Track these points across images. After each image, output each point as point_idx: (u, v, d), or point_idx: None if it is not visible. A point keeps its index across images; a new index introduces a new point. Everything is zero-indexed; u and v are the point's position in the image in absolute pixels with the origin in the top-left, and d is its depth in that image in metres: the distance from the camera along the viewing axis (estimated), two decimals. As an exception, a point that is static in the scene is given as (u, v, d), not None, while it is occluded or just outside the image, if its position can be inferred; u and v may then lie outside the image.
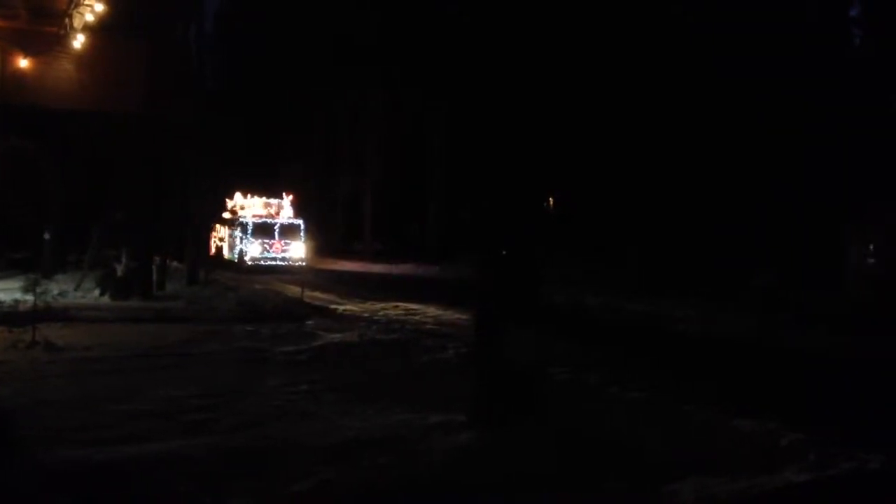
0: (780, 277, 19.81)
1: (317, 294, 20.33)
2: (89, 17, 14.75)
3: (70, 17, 15.08)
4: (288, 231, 30.36)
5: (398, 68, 32.69)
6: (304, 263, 28.52)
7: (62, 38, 16.04)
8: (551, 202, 30.57)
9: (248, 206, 31.59)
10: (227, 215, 32.85)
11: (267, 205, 31.56)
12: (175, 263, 22.97)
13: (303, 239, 30.57)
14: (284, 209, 31.80)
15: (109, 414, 7.67)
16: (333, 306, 17.90)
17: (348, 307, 17.98)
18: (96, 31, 15.61)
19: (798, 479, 6.05)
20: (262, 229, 30.00)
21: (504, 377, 7.27)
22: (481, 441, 6.94)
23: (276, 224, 30.42)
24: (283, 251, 29.90)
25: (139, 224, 18.10)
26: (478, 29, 7.74)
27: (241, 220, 30.75)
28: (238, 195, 32.68)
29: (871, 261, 21.47)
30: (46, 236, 21.28)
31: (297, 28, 38.19)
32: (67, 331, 12.67)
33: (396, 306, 18.56)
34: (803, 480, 5.99)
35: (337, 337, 13.00)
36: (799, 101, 20.97)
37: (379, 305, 18.56)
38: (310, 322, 14.83)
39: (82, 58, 16.43)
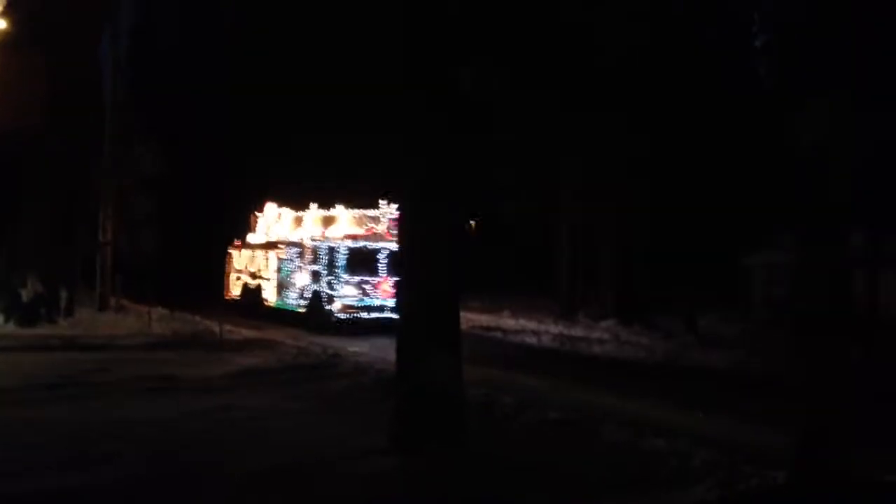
0: (695, 304, 20.54)
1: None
2: (-10, 34, 14.28)
3: (-30, 33, 14.55)
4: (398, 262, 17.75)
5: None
6: None
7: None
8: (474, 225, 30.80)
9: (313, 222, 20.54)
10: (256, 237, 22.98)
11: (363, 220, 19.32)
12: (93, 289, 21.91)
13: None
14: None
15: (10, 447, 7.33)
16: (251, 332, 17.55)
17: (268, 333, 17.65)
18: None
19: (709, 497, 6.25)
20: (358, 260, 18.46)
21: (425, 401, 7.28)
22: (402, 465, 6.93)
23: (379, 251, 18.60)
24: (394, 295, 17.26)
25: (46, 247, 17.42)
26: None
27: (316, 244, 19.45)
28: (271, 206, 22.84)
29: (775, 287, 22.81)
30: (-54, 261, 20.28)
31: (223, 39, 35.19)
32: (-33, 360, 12.08)
33: (265, 323, 18.27)
34: (714, 497, 6.19)
35: (256, 362, 12.78)
36: (707, 130, 21.73)
37: (301, 331, 18.24)
38: (226, 348, 14.52)
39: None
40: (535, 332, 19.73)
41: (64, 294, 18.08)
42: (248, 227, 23.45)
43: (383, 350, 13.69)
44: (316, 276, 19.14)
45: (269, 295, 21.17)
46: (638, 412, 10.09)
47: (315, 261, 19.26)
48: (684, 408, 10.67)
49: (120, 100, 20.71)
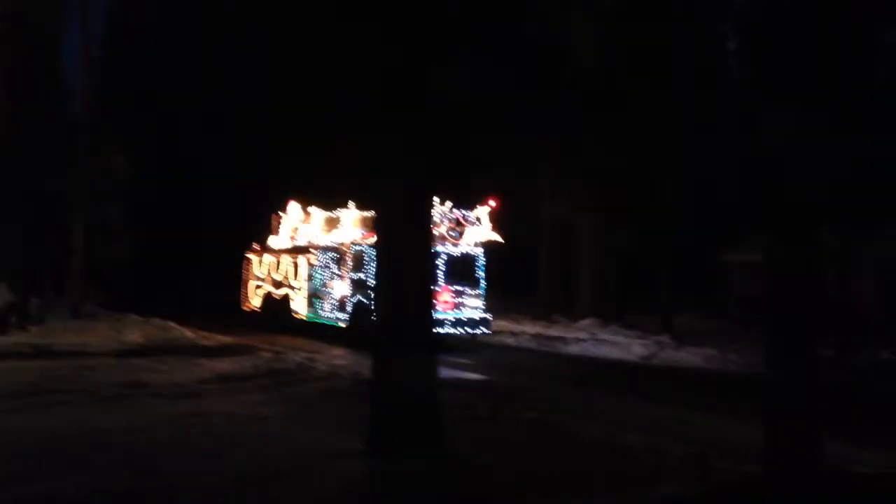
0: (671, 303, 20.73)
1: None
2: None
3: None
4: (464, 269, 16.57)
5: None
6: (486, 330, 16.86)
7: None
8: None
9: (352, 223, 17.78)
10: (279, 241, 20.39)
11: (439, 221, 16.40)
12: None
13: (482, 284, 16.98)
14: (477, 228, 17.06)
15: (-20, 456, 7.20)
16: (225, 337, 17.41)
17: (243, 339, 17.51)
18: None
19: (683, 492, 6.27)
20: None
21: (398, 403, 7.24)
22: (375, 468, 6.89)
23: (438, 256, 16.10)
24: (459, 306, 16.45)
25: (16, 255, 17.16)
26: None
27: (360, 248, 17.07)
28: (293, 205, 20.09)
29: (749, 285, 23.25)
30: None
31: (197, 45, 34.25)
32: (-65, 370, 11.85)
33: (295, 339, 18.11)
34: (688, 493, 6.21)
35: (230, 367, 12.67)
36: (688, 132, 21.85)
37: (275, 338, 18.08)
38: (201, 354, 14.39)
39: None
40: (512, 333, 19.77)
41: (35, 302, 17.83)
42: (269, 229, 20.87)
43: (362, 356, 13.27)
44: (360, 285, 16.65)
45: (299, 306, 18.90)
46: (614, 409, 10.16)
47: (359, 268, 16.84)
48: (660, 405, 10.74)
49: (91, 105, 20.44)
